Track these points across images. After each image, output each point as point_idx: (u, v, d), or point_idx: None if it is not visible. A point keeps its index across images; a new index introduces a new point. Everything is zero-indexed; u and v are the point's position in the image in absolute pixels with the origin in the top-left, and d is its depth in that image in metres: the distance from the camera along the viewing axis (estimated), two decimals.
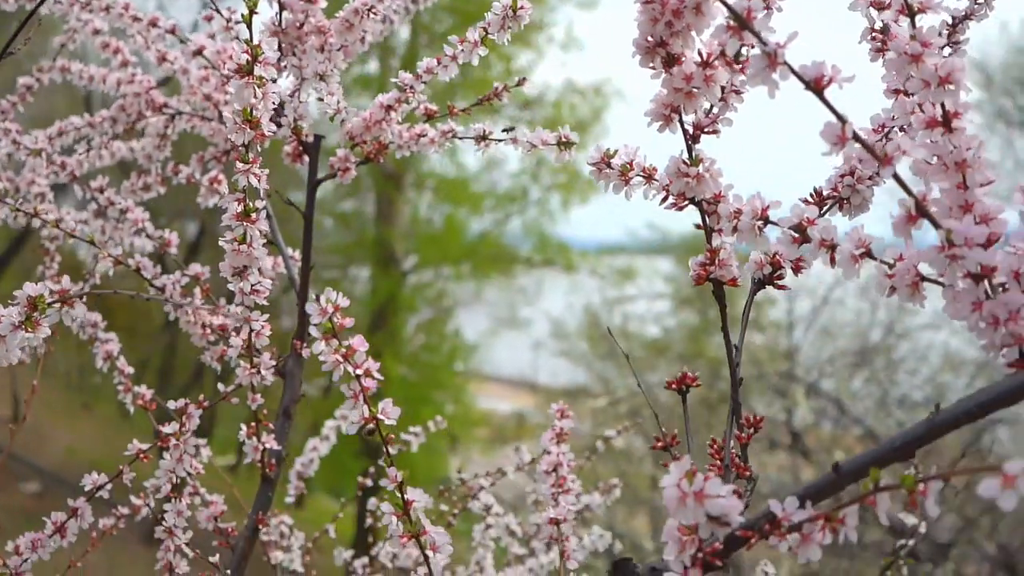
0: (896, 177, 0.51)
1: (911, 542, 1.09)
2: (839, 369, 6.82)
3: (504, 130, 0.94)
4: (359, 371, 0.62)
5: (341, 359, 0.62)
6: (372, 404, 0.63)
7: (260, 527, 0.99)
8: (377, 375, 0.63)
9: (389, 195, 11.06)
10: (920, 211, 0.51)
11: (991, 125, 9.59)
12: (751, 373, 7.37)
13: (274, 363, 0.91)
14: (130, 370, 1.10)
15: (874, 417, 6.73)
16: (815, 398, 6.67)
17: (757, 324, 9.58)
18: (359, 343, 0.62)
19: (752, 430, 0.64)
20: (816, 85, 0.51)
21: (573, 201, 11.49)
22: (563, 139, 0.85)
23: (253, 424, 0.97)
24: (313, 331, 0.61)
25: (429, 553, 0.65)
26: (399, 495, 0.65)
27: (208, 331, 1.03)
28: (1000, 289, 0.52)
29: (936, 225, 0.51)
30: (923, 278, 0.54)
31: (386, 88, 1.09)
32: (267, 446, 0.98)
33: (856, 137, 0.51)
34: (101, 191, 1.12)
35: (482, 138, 0.95)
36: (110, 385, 1.11)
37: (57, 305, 0.66)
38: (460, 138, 0.97)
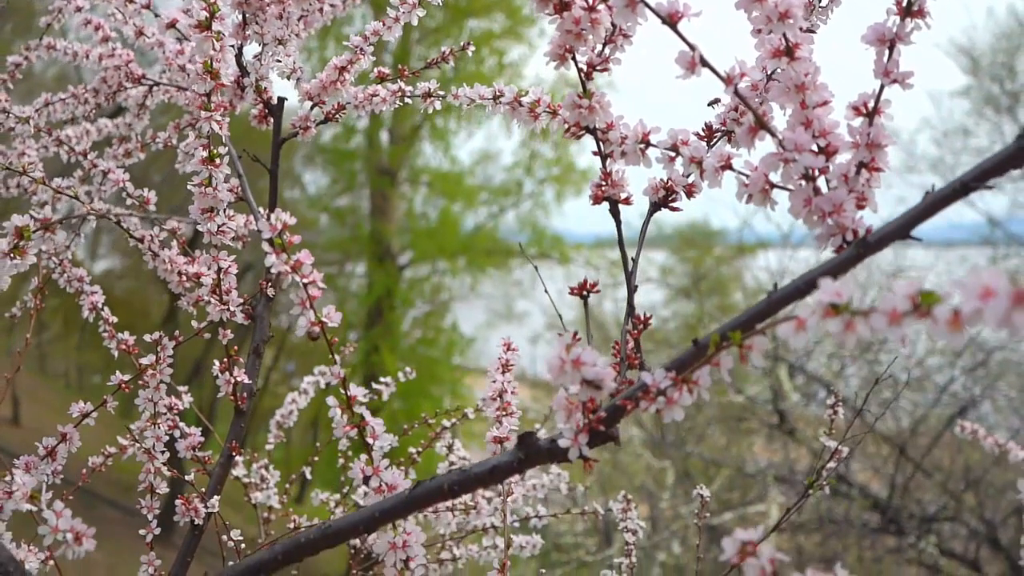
0: (737, 94, 0.61)
1: (833, 465, 1.18)
2: (825, 349, 6.92)
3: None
4: (306, 280, 0.72)
5: (290, 270, 0.72)
6: (317, 310, 0.73)
7: (234, 454, 1.09)
8: (321, 285, 0.73)
9: (384, 191, 11.15)
10: (760, 124, 0.61)
11: (979, 110, 9.68)
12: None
13: (242, 300, 1.01)
14: (113, 319, 1.19)
15: (861, 397, 6.84)
16: (803, 381, 6.80)
17: None
18: (305, 256, 0.72)
19: (643, 326, 0.73)
20: (671, 19, 0.61)
21: (567, 194, 11.61)
22: (497, 93, 0.94)
23: (225, 360, 1.06)
24: (265, 245, 0.71)
25: (370, 440, 0.75)
26: (343, 391, 0.75)
27: (184, 279, 1.12)
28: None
29: (773, 134, 0.61)
30: (772, 185, 0.64)
31: (367, 79, 1.18)
32: (238, 380, 1.07)
33: (703, 62, 0.60)
34: (84, 155, 1.21)
35: (427, 95, 1.05)
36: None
37: (40, 232, 0.76)
38: (409, 96, 1.07)
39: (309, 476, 1.49)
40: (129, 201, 1.20)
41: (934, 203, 0.56)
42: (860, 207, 0.61)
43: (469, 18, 11.21)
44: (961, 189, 0.55)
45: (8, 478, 0.75)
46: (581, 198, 11.49)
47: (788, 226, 7.99)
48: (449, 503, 1.22)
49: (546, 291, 1.03)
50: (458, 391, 10.85)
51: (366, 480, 0.75)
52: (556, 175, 11.87)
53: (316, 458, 1.53)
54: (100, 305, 1.21)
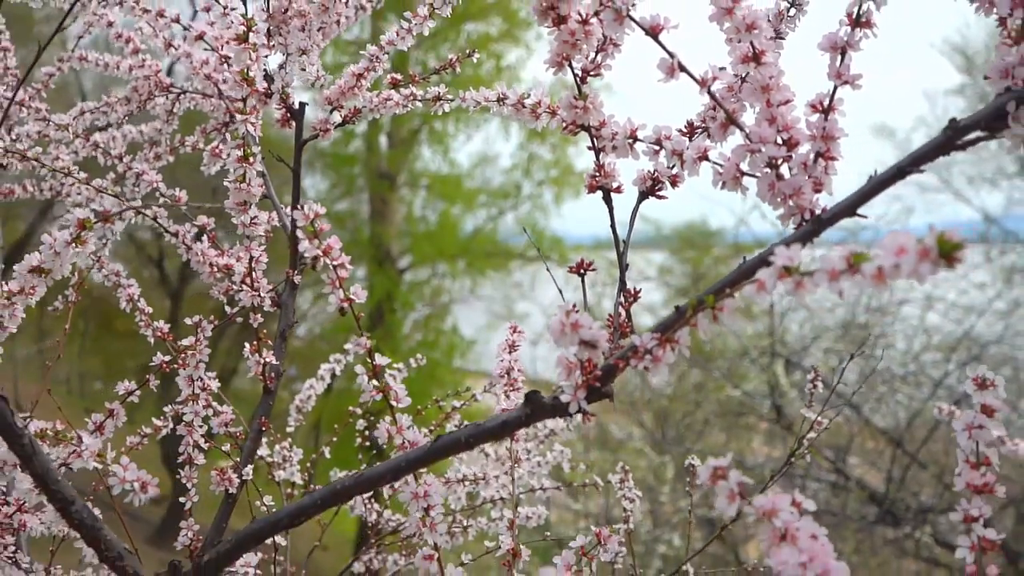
0: (711, 95, 0.71)
1: (814, 435, 1.28)
2: (821, 344, 7.03)
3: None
4: (336, 263, 0.82)
5: (322, 253, 0.82)
6: (345, 288, 0.83)
7: (263, 429, 1.19)
8: (348, 266, 0.83)
9: (383, 194, 11.26)
10: (730, 120, 0.71)
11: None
12: (743, 357, 7.59)
13: (271, 288, 1.11)
14: (149, 309, 1.29)
15: (857, 391, 6.95)
16: (800, 376, 6.89)
17: (749, 313, 9.81)
18: (335, 242, 0.82)
19: (633, 299, 0.83)
20: (653, 31, 0.71)
21: (566, 196, 11.71)
22: (501, 96, 1.04)
23: (255, 342, 1.16)
24: (300, 234, 0.81)
25: (393, 403, 0.85)
26: (369, 360, 0.85)
27: (215, 269, 1.22)
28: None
29: (741, 129, 0.71)
30: (742, 172, 0.74)
31: (379, 86, 1.29)
32: (267, 361, 1.17)
33: (681, 68, 0.71)
34: (120, 158, 1.31)
35: (436, 99, 1.15)
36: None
37: (101, 223, 0.86)
38: (420, 100, 1.17)
39: (328, 455, 1.59)
40: (162, 200, 1.30)
41: (876, 185, 0.66)
42: (817, 191, 0.71)
43: (466, 22, 11.31)
44: (898, 173, 0.66)
45: (76, 439, 0.85)
46: (579, 200, 11.60)
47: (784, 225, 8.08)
48: (462, 476, 1.32)
49: (555, 282, 1.12)
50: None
51: (390, 439, 0.85)
52: (554, 177, 11.96)
53: (335, 439, 1.63)
54: (136, 297, 1.31)
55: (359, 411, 1.57)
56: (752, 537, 7.09)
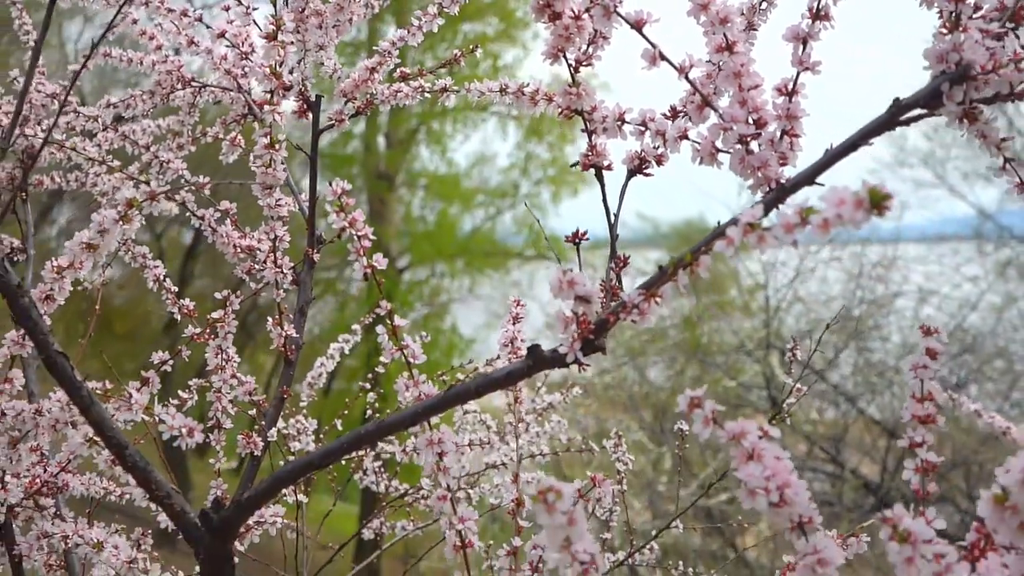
0: (689, 81, 0.81)
1: (793, 401, 1.38)
2: (816, 337, 7.14)
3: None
4: (360, 233, 0.92)
5: (347, 225, 0.92)
6: (368, 256, 0.93)
7: (285, 397, 1.29)
8: (371, 236, 0.93)
9: (382, 195, 11.36)
10: (706, 103, 0.81)
11: None
12: (739, 350, 7.70)
13: (293, 265, 1.21)
14: (175, 288, 1.39)
15: (852, 382, 7.09)
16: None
17: (747, 310, 9.93)
18: (359, 215, 0.92)
19: (623, 264, 0.93)
20: (638, 25, 0.81)
21: (563, 194, 11.81)
22: (503, 87, 1.14)
23: (278, 316, 1.26)
24: (328, 207, 0.91)
25: (411, 360, 0.94)
26: (389, 321, 0.95)
27: (238, 250, 1.32)
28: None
29: (716, 110, 0.81)
30: (717, 149, 0.84)
31: (388, 80, 1.38)
32: (288, 334, 1.27)
33: (662, 57, 0.81)
34: (147, 148, 1.41)
35: (443, 90, 1.25)
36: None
37: (148, 201, 0.95)
38: (428, 92, 1.27)
39: (340, 427, 1.69)
40: (187, 186, 1.40)
41: (831, 157, 0.76)
42: (782, 164, 0.81)
43: (463, 22, 11.39)
44: (850, 146, 0.76)
45: (126, 395, 0.95)
46: (577, 199, 11.70)
47: None
48: (467, 440, 1.42)
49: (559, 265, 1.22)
50: None
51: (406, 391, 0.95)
52: (552, 176, 12.06)
53: (346, 411, 1.73)
54: (163, 277, 1.41)
55: (367, 386, 1.67)
56: (749, 528, 7.19)
